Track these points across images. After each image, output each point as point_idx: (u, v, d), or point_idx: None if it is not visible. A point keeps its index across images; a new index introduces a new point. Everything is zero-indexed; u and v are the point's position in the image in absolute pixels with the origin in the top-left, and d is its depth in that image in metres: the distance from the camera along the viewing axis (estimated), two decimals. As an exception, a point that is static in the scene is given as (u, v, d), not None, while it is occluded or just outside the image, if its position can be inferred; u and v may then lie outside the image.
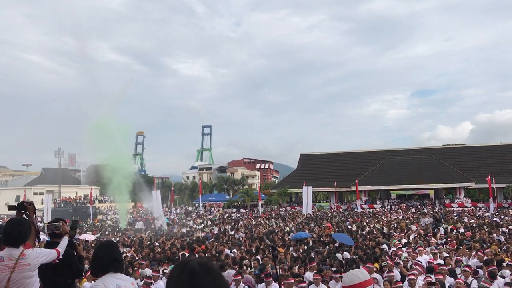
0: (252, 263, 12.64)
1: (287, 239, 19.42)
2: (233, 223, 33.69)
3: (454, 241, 15.90)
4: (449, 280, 9.38)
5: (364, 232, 21.77)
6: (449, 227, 23.23)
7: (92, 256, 3.70)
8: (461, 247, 13.95)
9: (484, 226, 22.82)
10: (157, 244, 19.44)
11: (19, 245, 4.18)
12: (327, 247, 15.62)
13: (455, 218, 31.64)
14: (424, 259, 12.10)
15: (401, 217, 35.25)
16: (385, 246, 15.53)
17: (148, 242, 20.07)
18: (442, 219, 28.32)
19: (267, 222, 33.18)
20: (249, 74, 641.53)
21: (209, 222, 36.20)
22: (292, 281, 8.86)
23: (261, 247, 15.57)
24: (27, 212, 4.88)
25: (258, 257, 13.09)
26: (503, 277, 9.16)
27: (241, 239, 20.66)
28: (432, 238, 17.34)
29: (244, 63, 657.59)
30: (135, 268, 11.68)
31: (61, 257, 4.63)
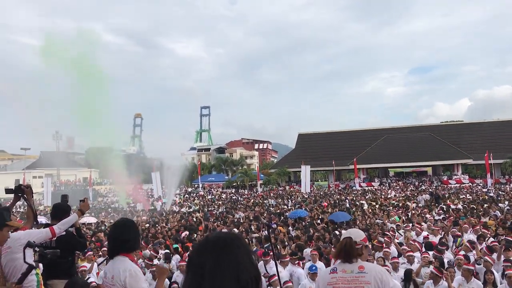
0: (251, 241, 12.78)
1: (283, 217, 19.67)
2: (232, 203, 33.93)
3: (452, 218, 16.05)
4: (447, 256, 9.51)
5: (364, 208, 22.06)
6: (449, 204, 23.40)
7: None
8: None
9: (483, 201, 23.03)
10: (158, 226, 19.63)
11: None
12: (323, 224, 15.80)
13: (451, 194, 31.85)
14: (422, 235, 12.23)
15: (396, 194, 35.54)
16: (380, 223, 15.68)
17: (147, 225, 20.14)
18: (440, 197, 28.43)
19: (264, 202, 33.44)
20: (245, 53, 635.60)
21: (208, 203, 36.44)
22: (288, 259, 8.96)
23: (255, 225, 15.74)
24: (25, 196, 4.90)
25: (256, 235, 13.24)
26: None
27: (241, 219, 20.85)
28: (428, 215, 17.53)
29: (240, 42, 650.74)
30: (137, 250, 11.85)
31: (63, 233, 4.60)
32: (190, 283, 1.48)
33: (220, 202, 36.05)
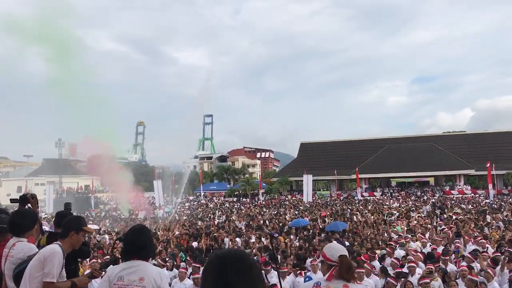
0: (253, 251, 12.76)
1: (287, 226, 19.64)
2: (234, 212, 33.84)
3: (454, 228, 16.00)
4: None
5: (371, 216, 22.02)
6: (451, 215, 23.30)
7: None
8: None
9: (483, 212, 22.93)
10: (159, 232, 19.61)
11: (19, 234, 4.19)
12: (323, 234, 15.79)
13: (453, 204, 31.72)
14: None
15: (398, 204, 35.38)
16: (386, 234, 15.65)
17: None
18: (445, 208, 28.26)
19: (266, 210, 33.37)
20: (249, 62, 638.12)
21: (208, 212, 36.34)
22: (286, 270, 8.90)
23: (257, 234, 15.71)
24: (30, 205, 4.91)
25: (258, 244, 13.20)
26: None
27: (243, 228, 20.80)
28: (429, 225, 17.50)
29: (244, 51, 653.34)
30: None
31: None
32: None
33: (221, 212, 35.94)
